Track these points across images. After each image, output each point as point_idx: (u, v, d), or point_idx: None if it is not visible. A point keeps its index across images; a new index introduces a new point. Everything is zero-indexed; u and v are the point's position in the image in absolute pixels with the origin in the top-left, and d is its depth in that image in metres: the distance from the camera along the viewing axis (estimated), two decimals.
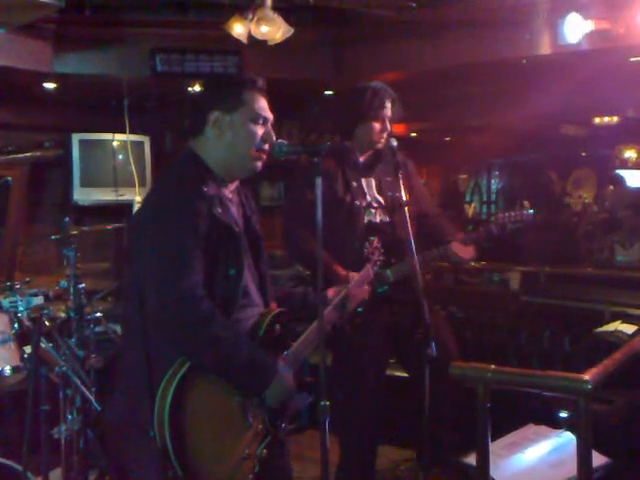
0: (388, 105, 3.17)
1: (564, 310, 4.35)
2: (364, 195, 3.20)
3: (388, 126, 3.17)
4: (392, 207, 3.17)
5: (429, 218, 3.36)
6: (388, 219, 3.20)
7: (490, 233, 3.32)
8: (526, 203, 8.76)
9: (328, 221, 3.05)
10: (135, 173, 5.07)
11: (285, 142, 2.19)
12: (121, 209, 5.01)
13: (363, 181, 3.22)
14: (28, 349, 3.19)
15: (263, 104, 2.17)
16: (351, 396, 3.26)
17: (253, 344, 2.09)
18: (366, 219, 3.18)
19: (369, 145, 3.21)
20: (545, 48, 3.96)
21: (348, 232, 3.09)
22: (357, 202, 3.16)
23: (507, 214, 3.35)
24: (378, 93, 3.16)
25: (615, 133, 7.16)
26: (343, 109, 3.39)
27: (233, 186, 2.22)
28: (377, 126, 3.16)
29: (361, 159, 3.24)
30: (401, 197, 2.97)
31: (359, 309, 3.06)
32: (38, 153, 5.01)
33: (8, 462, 3.04)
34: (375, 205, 3.21)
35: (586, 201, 8.12)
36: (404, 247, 3.02)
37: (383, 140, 3.17)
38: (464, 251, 3.24)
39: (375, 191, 3.23)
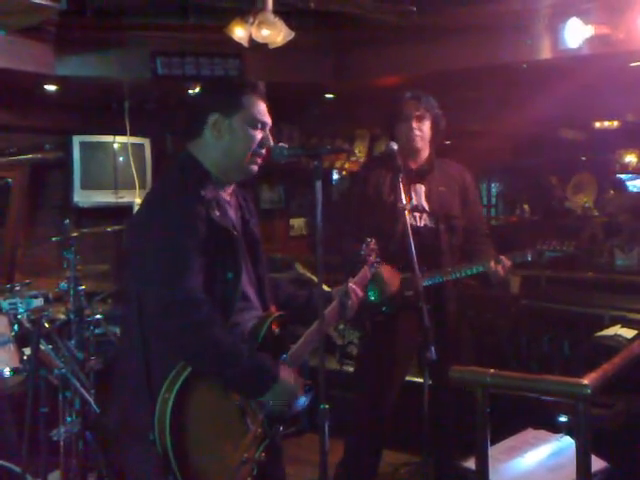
0: (411, 122, 3.21)
1: (564, 314, 4.35)
2: (409, 200, 3.22)
3: (416, 131, 3.21)
4: (437, 215, 3.24)
5: (473, 236, 3.38)
6: (432, 226, 3.25)
7: (524, 258, 3.31)
8: (526, 207, 8.80)
9: (370, 221, 3.16)
10: (135, 175, 5.08)
11: (285, 145, 2.19)
12: (121, 211, 5.00)
13: (412, 187, 3.27)
14: (27, 351, 3.19)
15: (262, 109, 2.17)
16: (367, 392, 3.32)
17: (252, 348, 2.09)
18: (408, 222, 3.21)
19: (405, 147, 3.24)
20: (546, 53, 3.96)
21: (387, 233, 3.14)
22: (400, 204, 3.17)
23: (548, 243, 3.28)
24: (403, 103, 3.24)
25: (615, 138, 7.16)
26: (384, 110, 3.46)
27: (230, 189, 2.22)
28: (404, 127, 3.23)
29: (413, 166, 3.29)
30: (421, 204, 3.16)
31: (383, 309, 3.11)
32: (39, 155, 5.01)
33: (7, 464, 3.04)
34: (420, 210, 3.25)
35: (586, 205, 8.12)
36: (442, 256, 3.16)
37: (415, 144, 3.23)
38: (500, 269, 3.22)
39: (423, 198, 3.28)
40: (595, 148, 8.03)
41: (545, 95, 4.69)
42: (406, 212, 3.03)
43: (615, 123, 6.59)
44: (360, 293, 2.40)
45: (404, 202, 3.05)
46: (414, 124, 3.22)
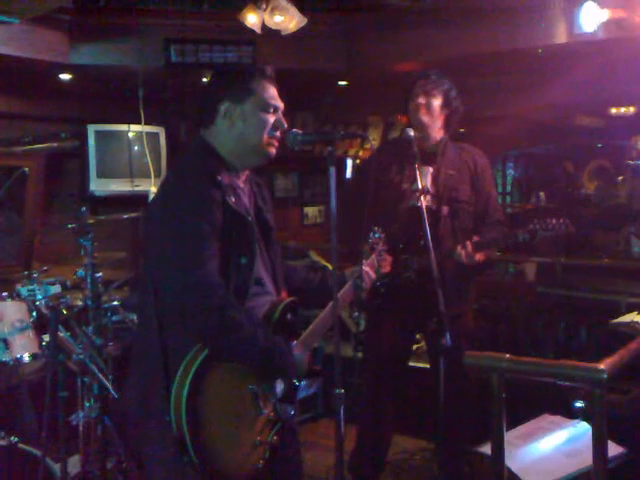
0: (418, 97, 3.22)
1: (580, 301, 4.33)
2: (415, 181, 3.15)
3: (422, 107, 3.22)
4: (442, 198, 3.21)
5: (481, 223, 3.31)
6: (435, 208, 3.21)
7: (515, 239, 3.20)
8: (542, 194, 8.76)
9: (376, 201, 3.07)
10: (150, 164, 5.09)
11: (299, 131, 2.18)
12: (137, 200, 5.03)
13: (420, 168, 3.19)
14: (46, 337, 3.22)
15: (273, 93, 2.17)
16: (368, 379, 3.32)
17: (269, 330, 2.11)
18: (411, 203, 3.19)
19: (413, 124, 3.25)
20: (561, 37, 3.92)
21: (391, 213, 3.16)
22: (405, 185, 3.19)
23: (541, 222, 3.15)
24: (415, 82, 3.26)
25: (632, 124, 7.09)
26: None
27: (244, 176, 2.23)
28: (412, 104, 3.26)
29: (423, 146, 3.26)
30: (426, 186, 3.11)
31: (381, 290, 3.10)
32: (54, 144, 5.04)
33: (28, 448, 3.09)
34: (424, 191, 3.17)
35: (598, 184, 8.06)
36: (442, 239, 3.12)
37: (421, 116, 3.23)
38: (463, 254, 3.13)
39: (430, 180, 3.25)
40: (611, 134, 7.97)
41: (561, 80, 4.65)
42: (422, 197, 3.00)
43: (631, 109, 6.53)
44: (373, 276, 2.42)
45: (419, 185, 3.02)
46: (421, 99, 3.22)
